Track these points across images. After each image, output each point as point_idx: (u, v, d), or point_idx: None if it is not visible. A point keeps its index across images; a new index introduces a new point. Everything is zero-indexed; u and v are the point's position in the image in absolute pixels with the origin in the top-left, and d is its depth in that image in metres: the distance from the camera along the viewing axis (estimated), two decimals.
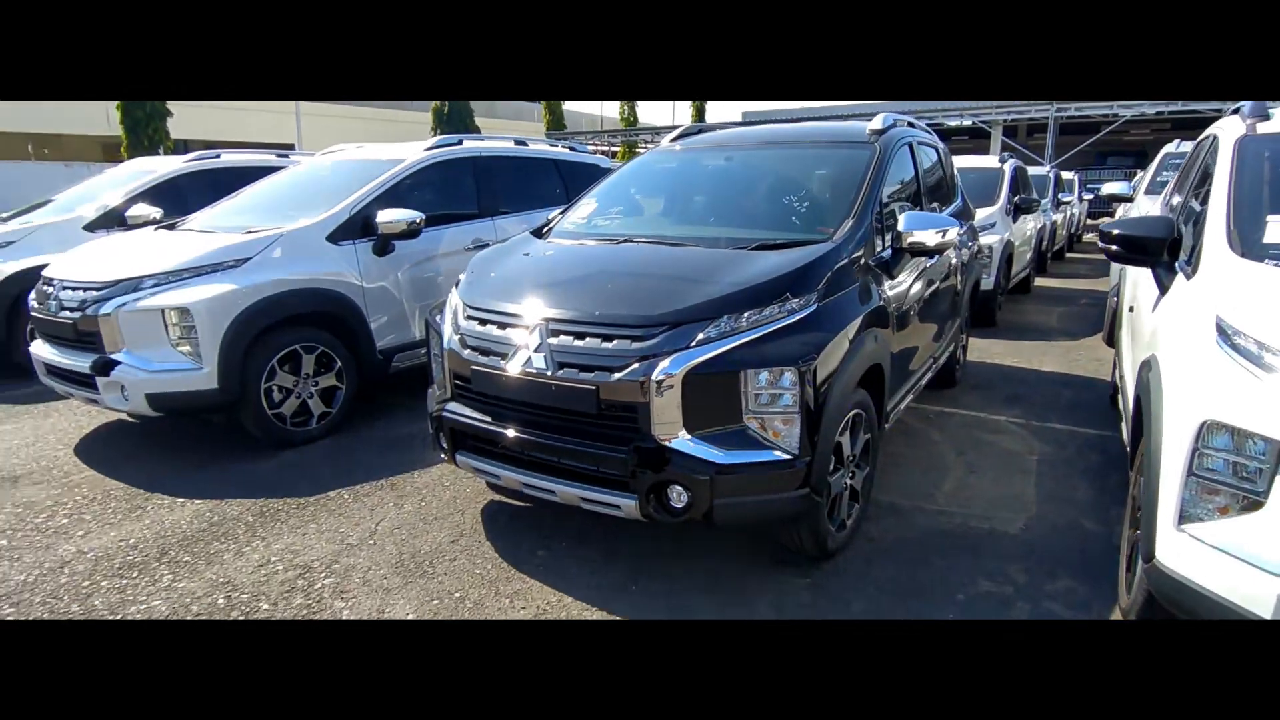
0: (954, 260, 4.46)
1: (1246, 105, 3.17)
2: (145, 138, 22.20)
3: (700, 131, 4.45)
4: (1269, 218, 2.47)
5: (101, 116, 25.39)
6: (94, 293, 3.83)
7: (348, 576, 2.76)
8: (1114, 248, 2.87)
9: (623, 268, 3.00)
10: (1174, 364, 2.14)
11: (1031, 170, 11.92)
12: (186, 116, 24.92)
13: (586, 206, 3.83)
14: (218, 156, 6.73)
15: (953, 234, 3.19)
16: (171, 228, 4.77)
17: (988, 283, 7.05)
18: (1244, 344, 1.93)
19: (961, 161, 8.66)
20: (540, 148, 6.23)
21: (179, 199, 6.03)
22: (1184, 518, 1.92)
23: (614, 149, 34.88)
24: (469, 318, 2.90)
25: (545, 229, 3.68)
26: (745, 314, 2.50)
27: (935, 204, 4.29)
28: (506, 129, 35.73)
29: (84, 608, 2.57)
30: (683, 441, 2.41)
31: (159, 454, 4.03)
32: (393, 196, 4.58)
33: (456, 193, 5.20)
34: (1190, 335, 2.14)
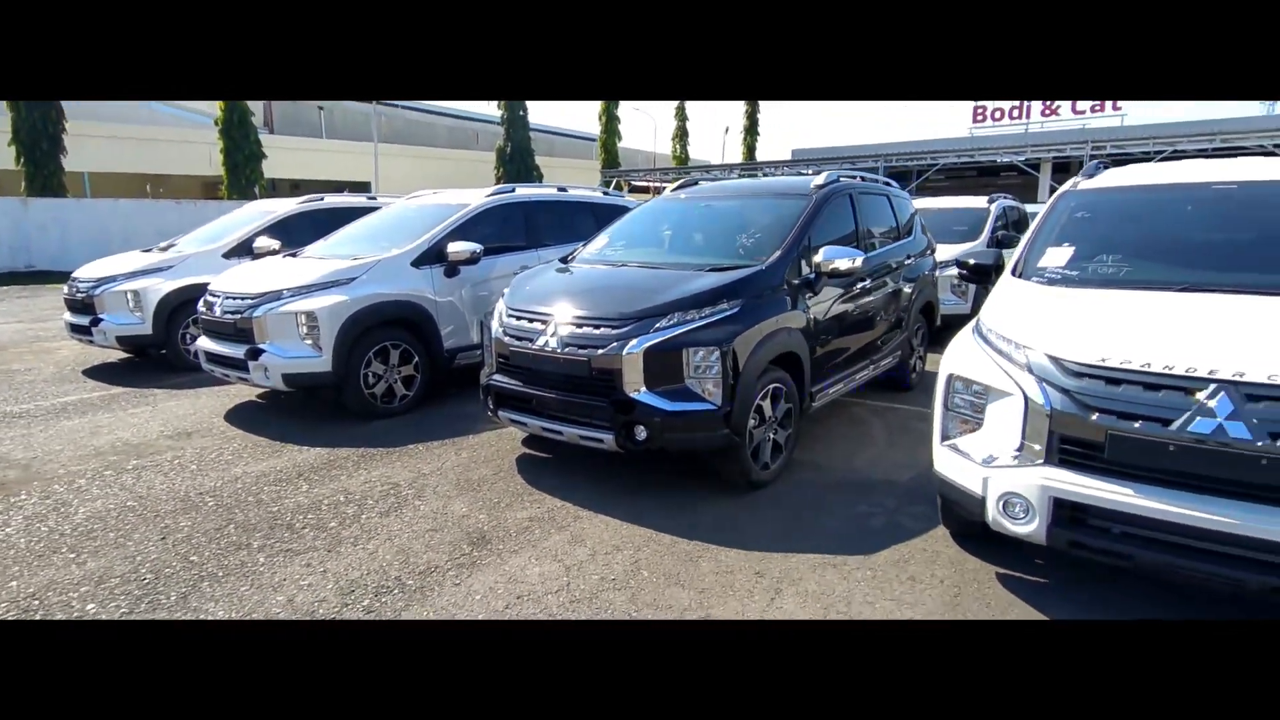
0: (900, 286, 5.59)
1: (1087, 165, 4.28)
2: (243, 177, 24.98)
3: (695, 183, 5.76)
4: (1049, 249, 3.57)
5: (205, 158, 28.44)
6: (248, 301, 5.32)
7: (423, 489, 4.08)
8: (964, 272, 4.02)
9: (615, 282, 4.29)
10: (952, 345, 3.27)
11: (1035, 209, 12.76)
12: (278, 160, 27.69)
13: (601, 240, 5.15)
14: (322, 200, 8.35)
15: (860, 262, 4.36)
16: (295, 255, 6.30)
17: (963, 307, 8.07)
18: (982, 329, 3.08)
19: (952, 202, 9.73)
20: (579, 193, 7.62)
21: (290, 233, 7.62)
22: (945, 436, 3.06)
23: (665, 185, 36.39)
24: (509, 315, 4.22)
25: (570, 256, 5.00)
26: (690, 312, 3.73)
27: (878, 240, 5.44)
28: (565, 166, 37.92)
29: (255, 499, 3.94)
30: (644, 394, 3.64)
31: (284, 421, 5.46)
32: (461, 232, 5.99)
33: (509, 229, 6.60)
34: (967, 329, 3.28)
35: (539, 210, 6.92)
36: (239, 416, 5.60)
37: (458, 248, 5.75)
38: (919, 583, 3.06)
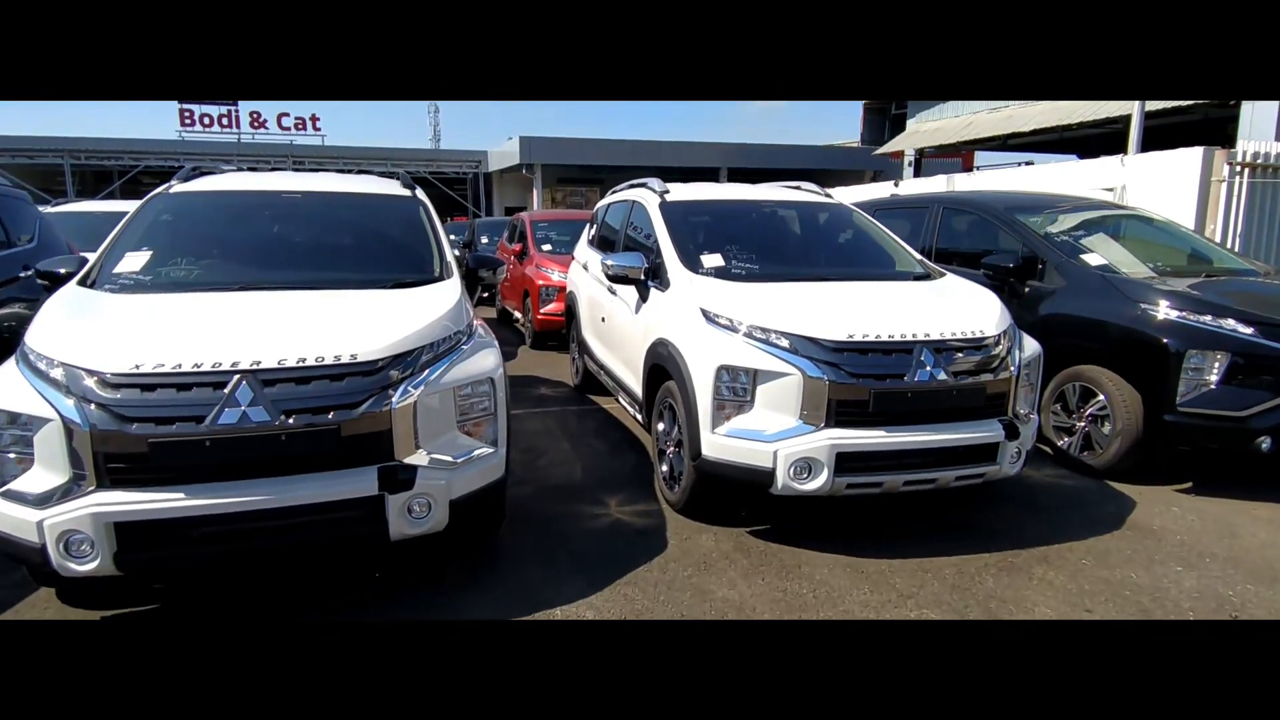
0: (20, 307, 4.55)
1: (183, 170, 4.12)
2: None
3: None
4: (128, 253, 3.30)
5: None
6: None
7: None
8: (44, 283, 3.42)
9: None
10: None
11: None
12: None
13: None
14: None
15: None
16: None
17: None
18: (26, 350, 2.60)
19: (118, 205, 8.83)
20: None
21: None
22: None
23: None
24: None
25: None
26: None
27: None
28: None
29: None
30: None
31: None
32: None
33: None
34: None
35: None
36: None
37: None
38: None
